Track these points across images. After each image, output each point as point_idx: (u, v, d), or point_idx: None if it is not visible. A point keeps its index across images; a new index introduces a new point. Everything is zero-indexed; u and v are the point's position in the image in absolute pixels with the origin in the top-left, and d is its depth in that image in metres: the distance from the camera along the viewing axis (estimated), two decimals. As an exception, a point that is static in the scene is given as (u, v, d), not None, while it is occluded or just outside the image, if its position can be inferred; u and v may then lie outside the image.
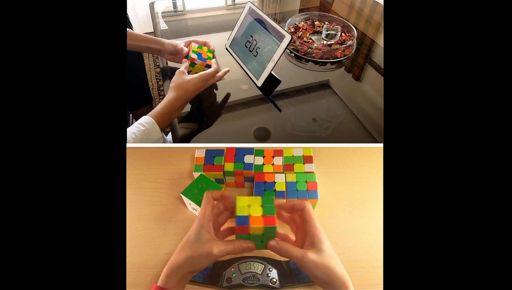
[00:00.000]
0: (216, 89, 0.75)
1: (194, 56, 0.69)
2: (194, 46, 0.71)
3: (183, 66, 0.66)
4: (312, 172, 0.58)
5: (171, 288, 0.39)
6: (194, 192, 0.56)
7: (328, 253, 0.39)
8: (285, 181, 0.57)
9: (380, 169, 0.65)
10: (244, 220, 0.40)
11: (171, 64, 0.81)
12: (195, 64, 0.69)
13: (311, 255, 0.38)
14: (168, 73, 0.80)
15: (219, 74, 0.68)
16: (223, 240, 0.43)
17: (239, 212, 0.40)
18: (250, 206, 0.42)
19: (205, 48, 0.73)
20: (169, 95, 0.61)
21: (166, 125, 0.59)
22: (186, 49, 0.72)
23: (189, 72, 0.67)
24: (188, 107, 0.69)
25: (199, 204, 0.54)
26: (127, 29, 0.74)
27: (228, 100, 0.73)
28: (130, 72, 1.18)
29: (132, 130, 0.54)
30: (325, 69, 0.81)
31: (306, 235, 0.41)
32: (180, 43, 0.73)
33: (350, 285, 0.38)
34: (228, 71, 0.70)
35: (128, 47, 0.74)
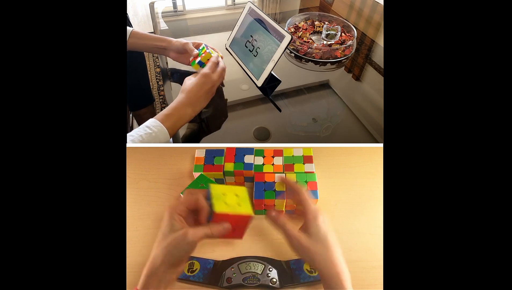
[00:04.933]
0: (223, 85, 0.74)
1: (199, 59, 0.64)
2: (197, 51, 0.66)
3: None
4: (312, 172, 0.58)
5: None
6: (194, 192, 0.56)
7: (320, 239, 0.40)
8: (285, 181, 0.57)
9: (380, 169, 0.65)
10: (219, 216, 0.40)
11: (171, 64, 0.81)
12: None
13: (302, 239, 0.39)
14: (168, 73, 0.80)
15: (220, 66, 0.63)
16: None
17: (216, 207, 0.40)
18: (225, 194, 0.42)
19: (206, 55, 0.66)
20: (177, 98, 0.58)
21: (175, 128, 0.56)
22: (196, 51, 0.67)
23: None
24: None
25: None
26: (132, 29, 0.73)
27: (228, 100, 0.73)
28: (131, 72, 1.18)
29: (139, 133, 0.51)
30: (325, 69, 0.81)
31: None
32: (190, 43, 0.69)
33: (344, 277, 0.39)
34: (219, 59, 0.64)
35: (134, 47, 0.74)
